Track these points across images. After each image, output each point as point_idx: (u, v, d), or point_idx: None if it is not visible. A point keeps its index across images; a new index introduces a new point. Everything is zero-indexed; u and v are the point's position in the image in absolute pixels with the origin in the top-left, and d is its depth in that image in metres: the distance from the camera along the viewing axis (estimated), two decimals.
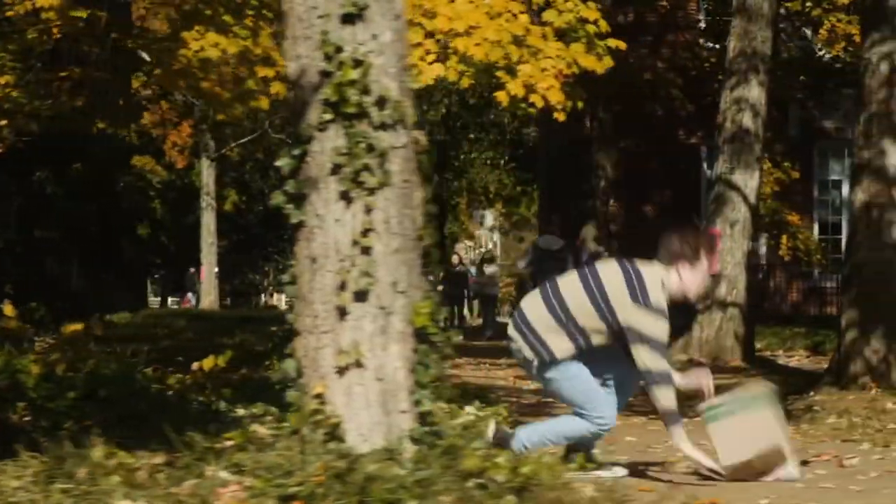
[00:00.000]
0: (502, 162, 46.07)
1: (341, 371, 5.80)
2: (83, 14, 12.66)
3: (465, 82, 9.73)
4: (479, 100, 46.09)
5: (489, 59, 9.50)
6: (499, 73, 9.69)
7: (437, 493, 5.24)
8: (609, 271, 7.62)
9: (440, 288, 37.98)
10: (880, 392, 14.02)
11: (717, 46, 29.69)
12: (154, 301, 68.78)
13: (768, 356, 20.91)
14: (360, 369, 5.80)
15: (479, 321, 34.64)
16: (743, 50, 19.37)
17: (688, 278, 7.70)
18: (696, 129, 31.96)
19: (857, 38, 25.04)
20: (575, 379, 7.59)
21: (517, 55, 9.60)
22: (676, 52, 31.61)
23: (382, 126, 5.83)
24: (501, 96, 9.70)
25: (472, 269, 33.99)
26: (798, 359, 20.12)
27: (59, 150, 19.97)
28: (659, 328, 7.44)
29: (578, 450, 7.79)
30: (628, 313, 7.43)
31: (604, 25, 10.24)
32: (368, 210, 5.82)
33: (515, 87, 9.63)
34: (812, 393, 14.45)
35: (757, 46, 19.33)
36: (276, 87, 9.94)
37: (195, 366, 10.14)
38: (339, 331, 5.81)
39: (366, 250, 5.81)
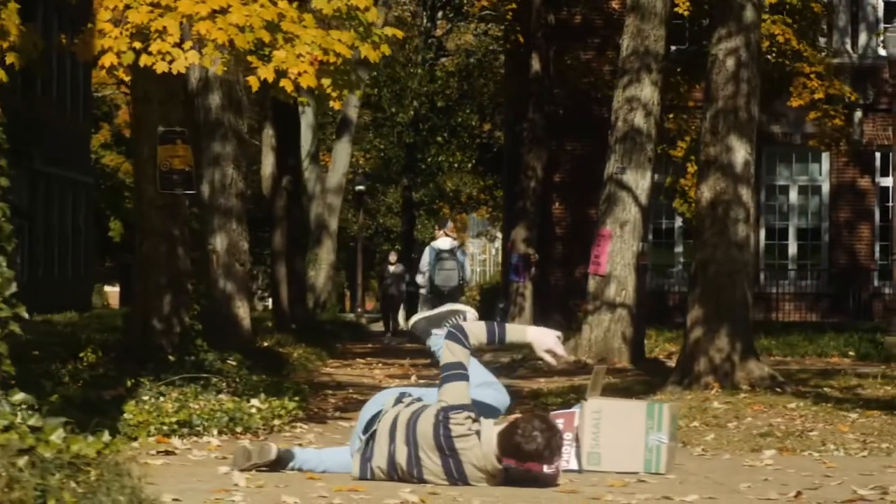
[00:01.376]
0: (469, 165, 45.92)
1: None
2: None
3: (220, 69, 9.58)
4: (447, 103, 46.03)
5: (237, 46, 9.36)
6: (251, 59, 9.57)
7: None
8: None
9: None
10: (719, 392, 13.83)
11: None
12: None
13: (664, 358, 20.72)
14: None
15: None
16: (636, 49, 19.19)
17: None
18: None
19: (780, 38, 24.93)
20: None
21: (269, 41, 9.47)
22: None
23: None
24: (252, 81, 9.55)
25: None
26: None
27: None
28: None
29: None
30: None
31: (374, 13, 10.10)
32: None
33: (266, 72, 9.49)
34: (656, 393, 14.26)
35: (650, 45, 19.15)
36: (11, 58, 9.77)
37: None
38: None
39: None
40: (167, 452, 8.71)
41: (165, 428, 9.62)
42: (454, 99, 45.51)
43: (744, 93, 14.37)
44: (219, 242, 16.85)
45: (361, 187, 43.72)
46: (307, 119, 37.48)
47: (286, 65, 9.52)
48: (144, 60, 9.55)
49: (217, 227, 16.85)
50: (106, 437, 5.65)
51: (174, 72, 9.55)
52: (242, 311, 16.78)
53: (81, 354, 12.46)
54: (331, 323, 32.10)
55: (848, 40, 32.83)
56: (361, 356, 23.19)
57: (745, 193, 14.33)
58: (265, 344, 17.86)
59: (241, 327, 16.65)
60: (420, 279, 21.16)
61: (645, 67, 19.18)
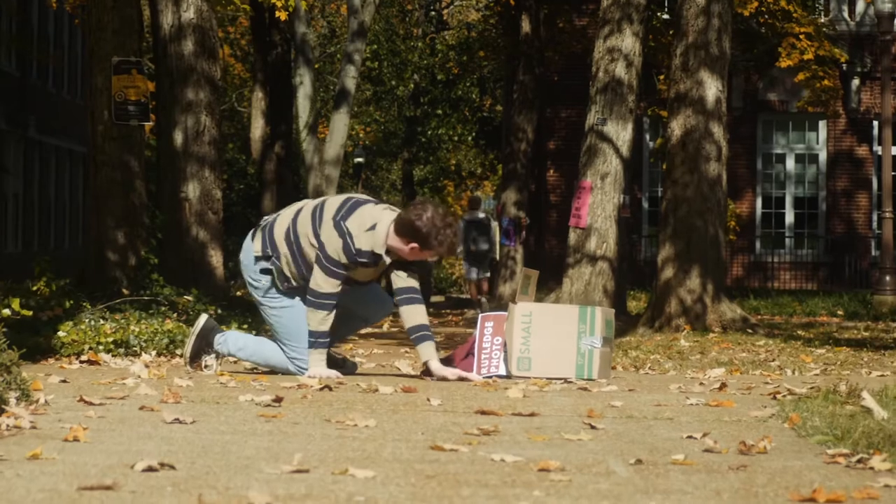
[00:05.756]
0: (470, 139, 45.63)
1: None
2: None
3: None
4: (448, 76, 45.75)
5: None
6: None
7: None
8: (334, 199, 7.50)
9: None
10: (689, 333, 13.59)
11: (666, 17, 29.28)
12: None
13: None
14: None
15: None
16: None
17: (394, 245, 7.31)
18: (639, 99, 31.55)
19: None
20: (285, 311, 7.37)
21: None
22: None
23: None
24: None
25: None
26: None
27: None
28: (342, 254, 7.14)
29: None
30: (325, 231, 7.18)
31: None
32: None
33: None
34: (626, 335, 14.05)
35: None
36: None
37: None
38: None
39: None
40: (90, 362, 8.51)
41: (101, 348, 9.40)
42: (455, 73, 45.24)
43: (715, 27, 14.13)
44: (191, 190, 16.58)
45: (360, 159, 43.44)
46: (305, 90, 37.19)
47: None
48: None
49: (190, 174, 16.59)
50: None
51: None
52: (215, 259, 16.54)
53: (34, 287, 12.25)
54: None
55: (845, 8, 32.51)
56: None
57: (717, 130, 14.09)
58: (238, 294, 17.66)
59: (213, 276, 16.41)
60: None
61: (626, 17, 18.84)
